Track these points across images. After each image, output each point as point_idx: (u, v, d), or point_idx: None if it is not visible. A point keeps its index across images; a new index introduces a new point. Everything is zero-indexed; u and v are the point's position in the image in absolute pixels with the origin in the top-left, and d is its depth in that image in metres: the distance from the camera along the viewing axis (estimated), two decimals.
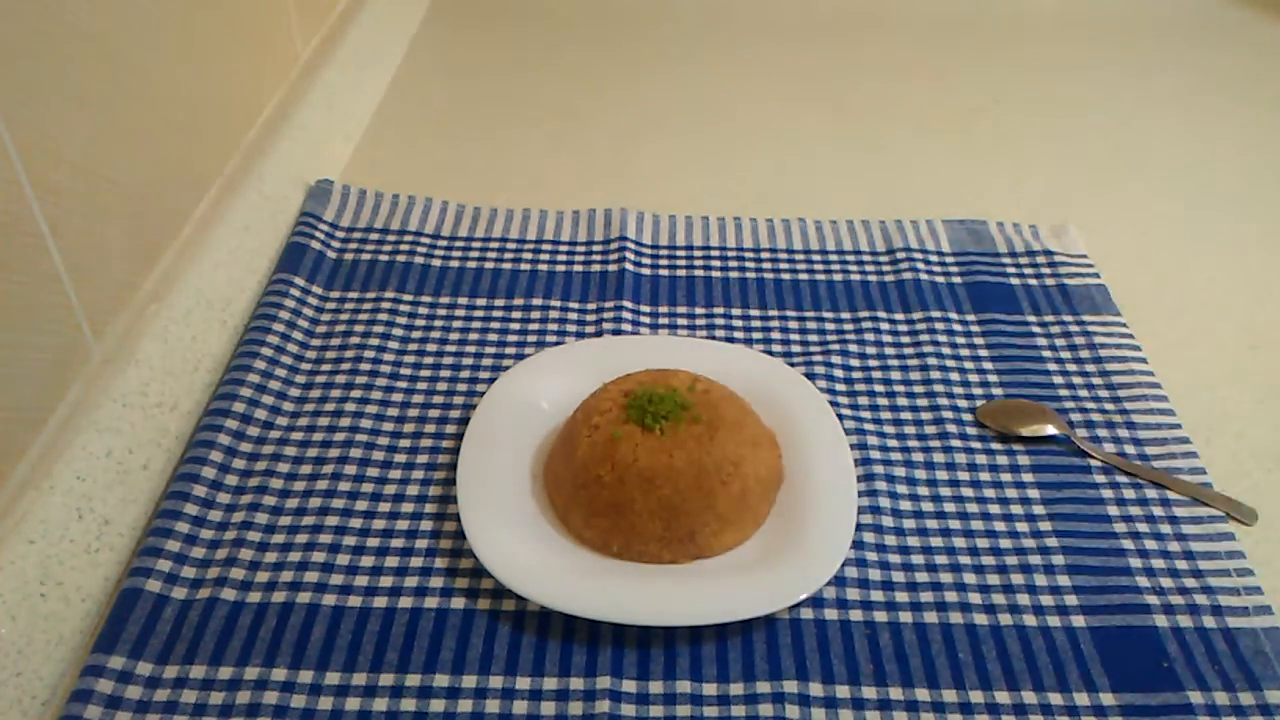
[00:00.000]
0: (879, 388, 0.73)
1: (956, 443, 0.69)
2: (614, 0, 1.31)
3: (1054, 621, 0.58)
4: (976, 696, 0.55)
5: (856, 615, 0.58)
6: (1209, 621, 0.58)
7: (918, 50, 1.21)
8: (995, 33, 1.25)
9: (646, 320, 0.79)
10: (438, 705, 0.54)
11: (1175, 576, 0.60)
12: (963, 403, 0.72)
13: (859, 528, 0.62)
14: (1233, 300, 0.83)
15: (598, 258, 0.84)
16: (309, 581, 0.59)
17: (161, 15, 0.67)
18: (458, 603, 0.59)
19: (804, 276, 0.83)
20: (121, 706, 0.53)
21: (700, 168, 0.98)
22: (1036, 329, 0.78)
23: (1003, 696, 0.55)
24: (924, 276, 0.82)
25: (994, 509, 0.65)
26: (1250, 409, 0.73)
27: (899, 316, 0.79)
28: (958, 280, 0.82)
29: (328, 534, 0.62)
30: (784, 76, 1.15)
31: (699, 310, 0.80)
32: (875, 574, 0.60)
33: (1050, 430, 0.69)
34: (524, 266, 0.83)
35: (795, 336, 0.77)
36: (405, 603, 0.59)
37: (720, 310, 0.79)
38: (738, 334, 0.77)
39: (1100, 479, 0.66)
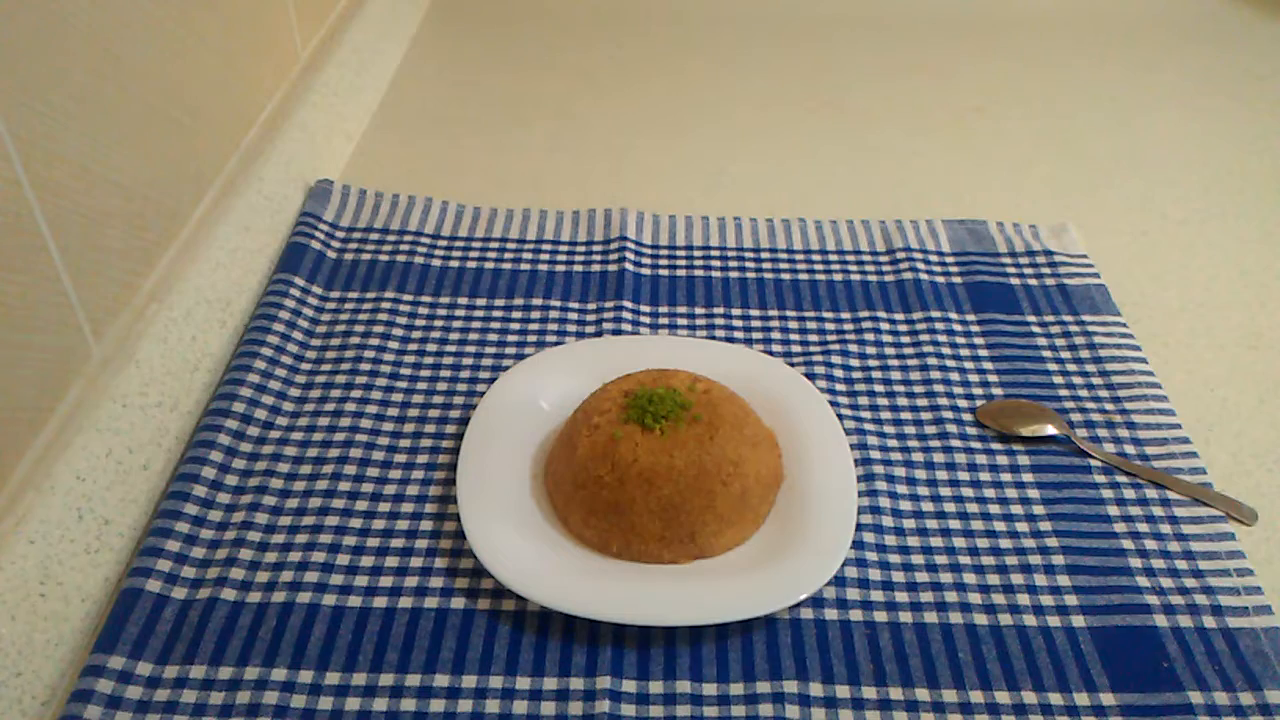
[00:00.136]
0: (879, 388, 0.73)
1: (956, 443, 0.69)
2: (614, 1, 1.31)
3: (1054, 621, 0.58)
4: (976, 696, 0.55)
5: (856, 615, 0.58)
6: (1209, 621, 0.58)
7: (917, 50, 1.21)
8: (995, 32, 1.25)
9: (646, 320, 0.79)
10: (438, 705, 0.54)
11: (1175, 576, 0.60)
12: (963, 403, 0.72)
13: (859, 528, 0.62)
14: (1233, 300, 0.83)
15: (598, 258, 0.84)
16: (309, 581, 0.59)
17: (161, 15, 0.67)
18: (458, 603, 0.59)
19: (804, 276, 0.83)
20: (121, 706, 0.53)
21: (700, 168, 0.98)
22: (1036, 329, 0.78)
23: (1003, 696, 0.55)
24: (924, 276, 0.82)
25: (994, 509, 0.65)
26: (1250, 409, 0.73)
27: (899, 316, 0.79)
28: (958, 280, 0.82)
29: (328, 534, 0.62)
30: (784, 76, 1.15)
31: (699, 310, 0.80)
32: (875, 574, 0.60)
33: (1050, 430, 0.69)
34: (524, 266, 0.83)
35: (795, 336, 0.77)
36: (405, 603, 0.59)
37: (720, 310, 0.79)
38: (738, 334, 0.77)
39: (1100, 479, 0.66)
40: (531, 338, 0.77)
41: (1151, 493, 0.66)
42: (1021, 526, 0.63)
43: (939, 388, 0.73)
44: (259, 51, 0.83)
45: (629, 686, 0.55)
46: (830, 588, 0.60)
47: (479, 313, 0.79)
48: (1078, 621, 0.58)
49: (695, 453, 0.60)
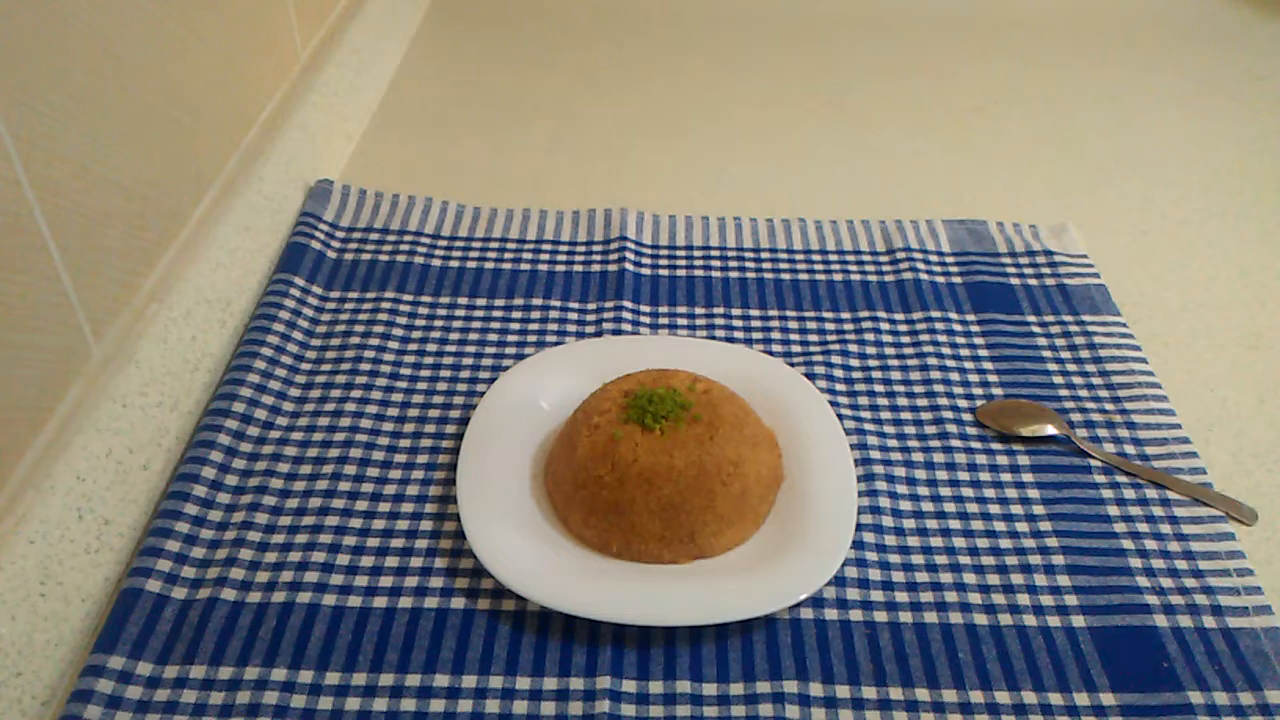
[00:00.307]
0: (879, 388, 0.73)
1: (956, 443, 0.69)
2: (614, 1, 1.31)
3: (1054, 621, 0.58)
4: (976, 696, 0.55)
5: (856, 615, 0.58)
6: (1209, 621, 0.58)
7: (917, 50, 1.21)
8: (995, 32, 1.25)
9: (646, 320, 0.79)
10: (438, 705, 0.54)
11: (1175, 576, 0.60)
12: (963, 403, 0.72)
13: (859, 528, 0.62)
14: (1233, 300, 0.83)
15: (598, 258, 0.84)
16: (309, 581, 0.59)
17: (161, 15, 0.67)
18: (458, 603, 0.59)
19: (804, 276, 0.83)
20: (121, 706, 0.53)
21: (700, 168, 0.98)
22: (1036, 329, 0.78)
23: (1003, 696, 0.55)
24: (924, 276, 0.82)
25: (994, 509, 0.65)
26: (1250, 409, 0.73)
27: (899, 316, 0.79)
28: (958, 280, 0.82)
29: (328, 534, 0.62)
30: (784, 76, 1.15)
31: (699, 310, 0.80)
32: (875, 574, 0.60)
33: (1050, 430, 0.69)
34: (524, 266, 0.83)
35: (795, 336, 0.77)
36: (405, 603, 0.59)
37: (720, 310, 0.79)
38: (738, 334, 0.77)
39: (1100, 479, 0.66)
40: (531, 338, 0.77)
41: (1151, 493, 0.66)
42: (1021, 526, 0.63)
43: (939, 388, 0.73)
44: (259, 51, 0.83)
45: (629, 686, 0.55)
46: (830, 588, 0.60)
47: (479, 313, 0.79)
48: (1078, 621, 0.58)
49: (695, 453, 0.60)
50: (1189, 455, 0.68)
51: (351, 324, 0.77)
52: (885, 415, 0.71)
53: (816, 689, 0.55)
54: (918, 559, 0.61)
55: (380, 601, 0.59)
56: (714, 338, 0.77)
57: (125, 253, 0.64)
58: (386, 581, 0.60)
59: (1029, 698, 0.55)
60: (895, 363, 0.75)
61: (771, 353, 0.76)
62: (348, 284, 0.81)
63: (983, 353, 0.76)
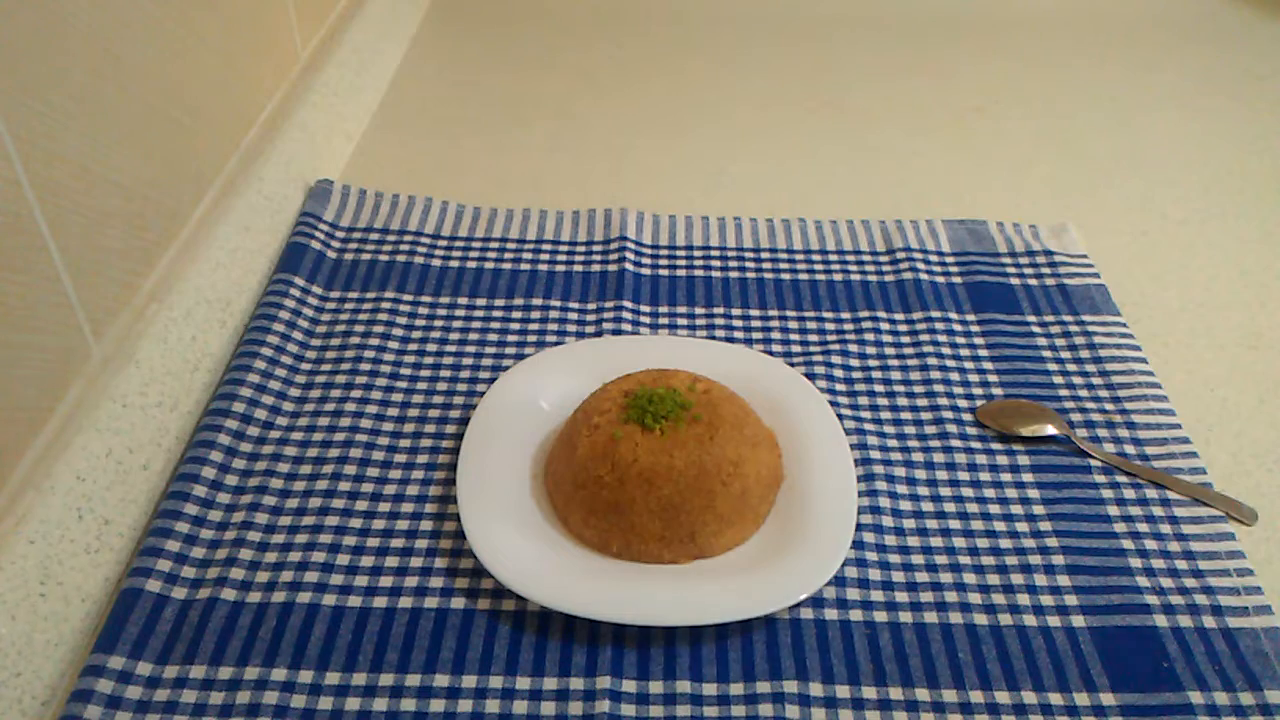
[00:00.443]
0: (879, 388, 0.73)
1: (956, 443, 0.69)
2: (614, 1, 1.31)
3: (1054, 621, 0.58)
4: (976, 696, 0.55)
5: (856, 615, 0.58)
6: (1209, 621, 0.58)
7: (917, 50, 1.21)
8: (995, 32, 1.25)
9: (646, 320, 0.79)
10: (438, 705, 0.54)
11: (1175, 576, 0.60)
12: (963, 403, 0.72)
13: (859, 528, 0.62)
14: (1233, 300, 0.83)
15: (598, 258, 0.84)
16: (309, 581, 0.59)
17: (161, 15, 0.67)
18: (458, 603, 0.59)
19: (804, 276, 0.83)
20: (121, 706, 0.53)
21: (700, 168, 0.98)
22: (1036, 329, 0.78)
23: (1003, 696, 0.55)
24: (924, 276, 0.82)
25: (994, 509, 0.65)
26: (1250, 409, 0.73)
27: (899, 316, 0.79)
28: (958, 280, 0.82)
29: (328, 534, 0.62)
30: (784, 76, 1.15)
31: (699, 310, 0.80)
32: (875, 574, 0.60)
33: (1050, 430, 0.69)
34: (524, 266, 0.83)
35: (795, 336, 0.77)
36: (405, 603, 0.59)
37: (720, 310, 0.79)
38: (738, 334, 0.77)
39: (1100, 479, 0.66)
40: (531, 338, 0.77)
41: (1151, 493, 0.66)
42: (1021, 526, 0.63)
43: (939, 388, 0.73)
44: (259, 51, 0.83)
45: (629, 686, 0.55)
46: (830, 588, 0.60)
47: (479, 313, 0.79)
48: (1078, 621, 0.58)
49: (695, 453, 0.60)
50: (1189, 455, 0.68)
51: (351, 324, 0.77)
52: (885, 415, 0.71)
53: (816, 689, 0.55)
54: (918, 559, 0.61)
55: (380, 601, 0.59)
56: (714, 338, 0.77)
57: (125, 253, 0.64)
58: (386, 581, 0.60)
59: (1029, 698, 0.55)
60: (895, 363, 0.75)
61: (771, 353, 0.76)
62: (348, 284, 0.81)
63: (983, 353, 0.76)
